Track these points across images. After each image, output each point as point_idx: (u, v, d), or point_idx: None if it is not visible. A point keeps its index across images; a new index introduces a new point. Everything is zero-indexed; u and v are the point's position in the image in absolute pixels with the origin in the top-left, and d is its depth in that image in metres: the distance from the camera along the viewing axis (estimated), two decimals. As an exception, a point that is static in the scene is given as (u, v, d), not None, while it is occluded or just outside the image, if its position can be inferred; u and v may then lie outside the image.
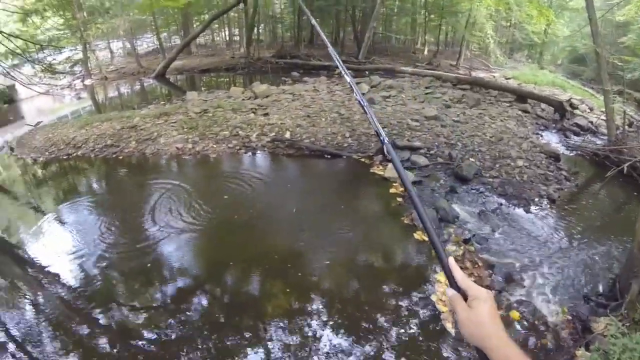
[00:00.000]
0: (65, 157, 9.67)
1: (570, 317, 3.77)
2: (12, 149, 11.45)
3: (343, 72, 1.54)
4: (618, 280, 4.09)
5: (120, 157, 9.07)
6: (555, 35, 28.06)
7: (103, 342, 3.79)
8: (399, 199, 6.10)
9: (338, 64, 1.61)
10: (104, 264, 5.13)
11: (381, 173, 7.00)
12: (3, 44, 12.82)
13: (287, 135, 8.97)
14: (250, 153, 8.59)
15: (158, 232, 5.73)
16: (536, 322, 3.75)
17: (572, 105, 11.92)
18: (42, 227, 6.49)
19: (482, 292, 0.94)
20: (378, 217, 5.91)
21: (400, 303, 3.97)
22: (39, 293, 4.76)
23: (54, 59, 18.86)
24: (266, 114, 10.48)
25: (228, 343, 3.66)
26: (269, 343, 3.61)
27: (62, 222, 6.66)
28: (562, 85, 18.35)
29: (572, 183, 7.05)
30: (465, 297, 0.95)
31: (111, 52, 32.82)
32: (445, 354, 3.42)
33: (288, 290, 4.29)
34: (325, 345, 3.55)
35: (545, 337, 3.59)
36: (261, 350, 3.55)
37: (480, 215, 5.68)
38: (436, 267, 4.39)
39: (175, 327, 3.90)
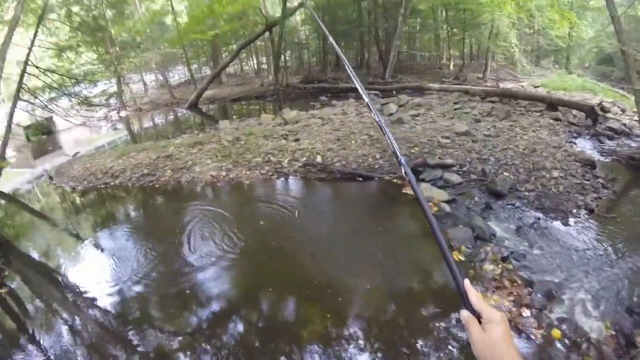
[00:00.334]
0: (102, 186, 10.15)
1: (613, 332, 3.71)
2: (51, 178, 12.08)
3: (360, 91, 1.57)
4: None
5: (157, 186, 9.45)
6: (580, 38, 27.62)
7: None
8: None
9: (355, 82, 1.64)
10: (140, 289, 5.34)
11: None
12: (40, 79, 13.65)
13: (319, 159, 9.12)
14: (282, 178, 8.77)
15: (195, 258, 5.93)
16: (578, 340, 3.70)
17: (603, 109, 11.65)
18: (80, 252, 6.88)
19: (496, 315, 0.97)
20: (413, 237, 5.90)
21: (439, 326, 3.97)
22: (76, 316, 5.03)
23: (89, 92, 19.78)
24: (297, 140, 10.71)
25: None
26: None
27: (100, 248, 7.00)
28: (592, 88, 17.98)
29: (609, 190, 6.88)
30: (479, 319, 0.99)
31: (144, 84, 34.23)
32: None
33: (325, 314, 4.35)
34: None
35: (588, 354, 3.54)
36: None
37: (517, 231, 5.64)
38: (476, 287, 4.33)
39: (210, 352, 4.04)
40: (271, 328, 4.34)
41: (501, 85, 20.09)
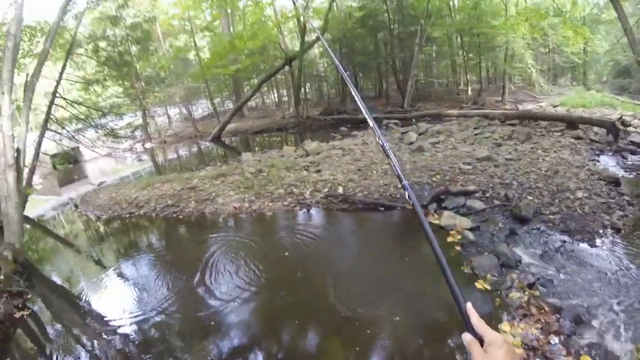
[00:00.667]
0: (127, 216, 10.48)
1: (643, 356, 3.68)
2: (76, 206, 12.55)
3: (366, 116, 1.59)
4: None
5: (181, 217, 9.69)
6: (595, 52, 27.63)
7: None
8: (457, 248, 6.06)
9: (361, 108, 1.66)
10: (162, 318, 5.43)
11: (437, 222, 6.95)
12: (67, 110, 14.26)
13: (340, 190, 9.23)
14: (305, 210, 8.87)
15: (217, 289, 6.01)
16: (608, 365, 3.66)
17: (624, 123, 11.55)
18: (102, 279, 7.09)
19: (498, 338, 0.99)
20: (437, 268, 5.82)
21: (466, 358, 3.95)
22: (95, 342, 5.17)
23: (115, 124, 20.51)
24: (318, 171, 10.89)
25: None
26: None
27: (122, 276, 7.20)
28: (611, 103, 17.95)
29: (635, 207, 6.78)
30: (481, 342, 1.01)
31: (169, 117, 35.51)
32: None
33: (348, 347, 4.35)
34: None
35: (619, 379, 3.50)
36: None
37: (543, 255, 5.62)
38: (502, 316, 4.36)
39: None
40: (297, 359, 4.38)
41: (520, 107, 20.10)
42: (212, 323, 5.16)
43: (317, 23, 26.13)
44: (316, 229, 7.90)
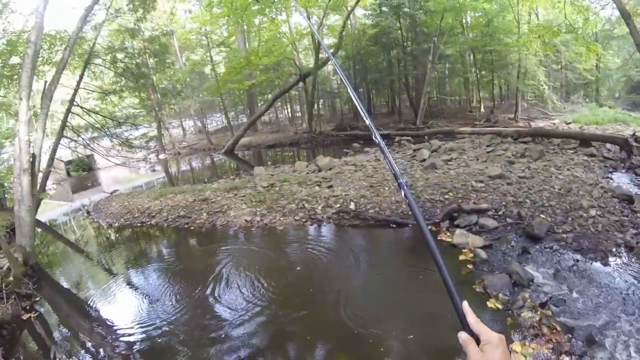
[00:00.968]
0: (139, 225, 10.58)
1: (657, 376, 3.61)
2: (88, 213, 12.70)
3: (370, 127, 1.48)
4: None
5: (192, 228, 9.76)
6: (608, 68, 27.53)
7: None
8: (469, 266, 6.02)
9: (367, 120, 1.53)
10: (168, 328, 5.44)
11: (449, 240, 6.93)
12: (84, 118, 14.54)
13: (352, 206, 9.21)
14: (316, 225, 8.86)
15: (226, 302, 6.01)
16: (620, 385, 3.57)
17: (637, 140, 11.51)
18: (111, 286, 7.16)
19: (494, 337, 0.97)
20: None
21: None
22: (100, 348, 5.18)
23: (130, 134, 20.73)
24: (330, 186, 10.89)
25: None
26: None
27: (131, 284, 7.24)
28: (624, 119, 17.98)
29: (649, 225, 6.67)
30: (477, 341, 0.98)
31: (183, 129, 36.02)
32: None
33: None
34: None
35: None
36: None
37: (556, 275, 5.56)
38: (514, 335, 4.31)
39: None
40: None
41: (533, 124, 20.04)
42: (221, 335, 5.15)
43: (330, 41, 26.51)
44: (328, 245, 7.90)
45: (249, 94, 31.84)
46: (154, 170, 24.53)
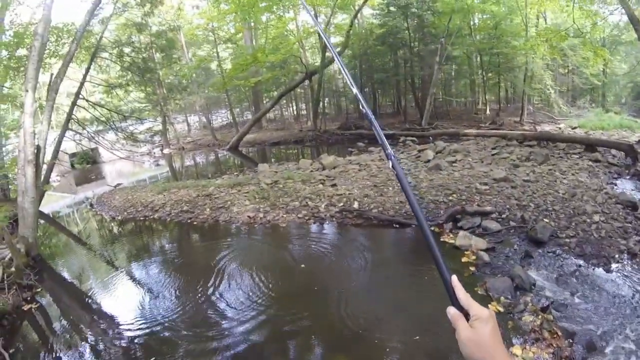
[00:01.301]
0: (142, 218, 10.61)
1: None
2: (91, 205, 12.76)
3: (373, 126, 1.45)
4: None
5: (195, 223, 9.76)
6: (615, 74, 27.40)
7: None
8: (472, 268, 5.99)
9: (370, 120, 1.50)
10: (169, 323, 5.45)
11: (452, 241, 6.89)
12: (89, 112, 14.59)
13: (355, 205, 9.18)
14: (319, 223, 8.84)
15: (226, 299, 5.98)
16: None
17: (642, 147, 11.43)
18: (112, 279, 7.18)
19: (484, 313, 0.96)
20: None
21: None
22: (99, 341, 5.20)
23: (135, 129, 20.83)
24: (334, 185, 10.87)
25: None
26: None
27: (132, 278, 7.27)
28: (630, 125, 17.89)
29: (652, 232, 6.63)
30: (467, 317, 0.97)
31: (188, 124, 36.16)
32: None
33: None
34: None
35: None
36: None
37: (558, 279, 5.53)
38: (514, 339, 4.28)
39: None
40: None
41: (539, 128, 19.96)
42: (222, 331, 5.15)
43: (337, 39, 26.47)
44: (330, 243, 7.87)
45: (254, 90, 31.84)
46: (157, 165, 24.62)
